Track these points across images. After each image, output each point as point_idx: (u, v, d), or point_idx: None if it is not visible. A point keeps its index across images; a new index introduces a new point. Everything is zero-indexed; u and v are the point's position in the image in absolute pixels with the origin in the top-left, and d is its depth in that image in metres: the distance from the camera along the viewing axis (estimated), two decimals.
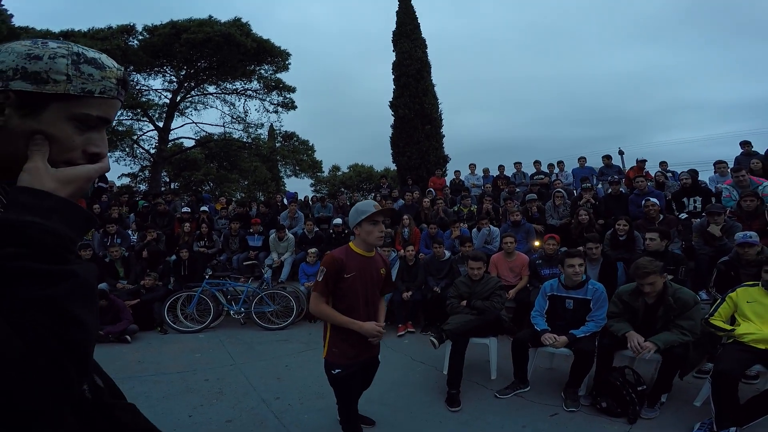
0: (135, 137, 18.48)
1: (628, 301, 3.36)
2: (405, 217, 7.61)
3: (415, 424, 3.17)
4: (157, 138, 18.15)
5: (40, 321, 0.47)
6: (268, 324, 6.06)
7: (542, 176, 10.06)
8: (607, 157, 9.76)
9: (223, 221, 9.09)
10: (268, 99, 18.73)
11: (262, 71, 18.15)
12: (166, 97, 18.17)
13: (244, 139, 19.14)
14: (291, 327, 5.98)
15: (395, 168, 15.95)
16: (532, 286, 5.25)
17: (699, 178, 7.38)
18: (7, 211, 0.53)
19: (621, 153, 16.11)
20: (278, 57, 17.51)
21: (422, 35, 15.44)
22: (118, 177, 19.98)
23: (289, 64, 17.94)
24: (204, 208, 9.34)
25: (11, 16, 13.70)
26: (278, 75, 18.31)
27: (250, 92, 18.68)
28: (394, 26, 15.59)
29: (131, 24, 16.16)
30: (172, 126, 18.39)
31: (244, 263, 7.38)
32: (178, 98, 18.22)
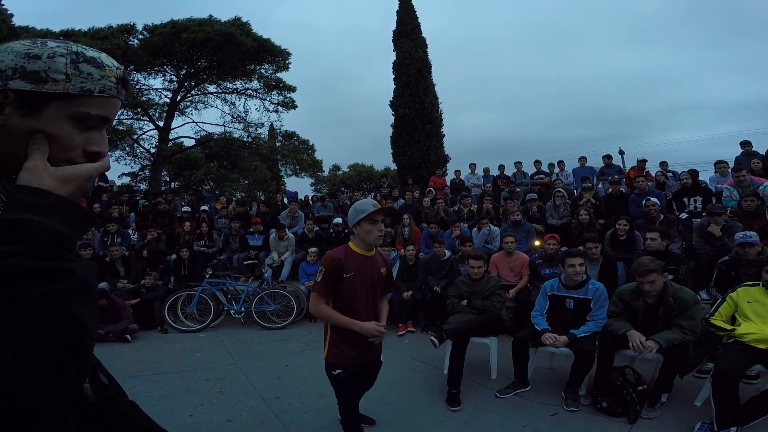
0: (135, 136, 18.48)
1: (628, 301, 3.36)
2: (405, 216, 7.61)
3: (415, 423, 3.17)
4: (157, 137, 18.16)
5: (39, 321, 0.47)
6: (268, 323, 6.06)
7: (542, 176, 10.06)
8: (608, 157, 9.76)
9: (223, 220, 9.10)
10: (268, 98, 18.76)
11: (263, 71, 18.16)
12: (166, 96, 18.20)
13: (245, 139, 19.16)
14: (291, 326, 5.99)
15: (395, 167, 15.95)
16: (532, 285, 5.25)
17: (699, 178, 7.38)
18: (6, 210, 0.53)
19: (621, 153, 16.15)
20: (278, 56, 17.51)
21: (423, 35, 15.45)
22: (119, 176, 20.04)
23: (290, 63, 17.96)
24: (204, 207, 9.35)
25: (11, 15, 13.69)
26: (278, 74, 18.35)
27: (251, 91, 18.69)
28: (394, 25, 15.61)
29: (131, 23, 16.18)
30: (173, 125, 18.41)
31: (245, 262, 7.38)
32: (179, 97, 18.22)
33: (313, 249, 6.90)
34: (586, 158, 10.10)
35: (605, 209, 6.94)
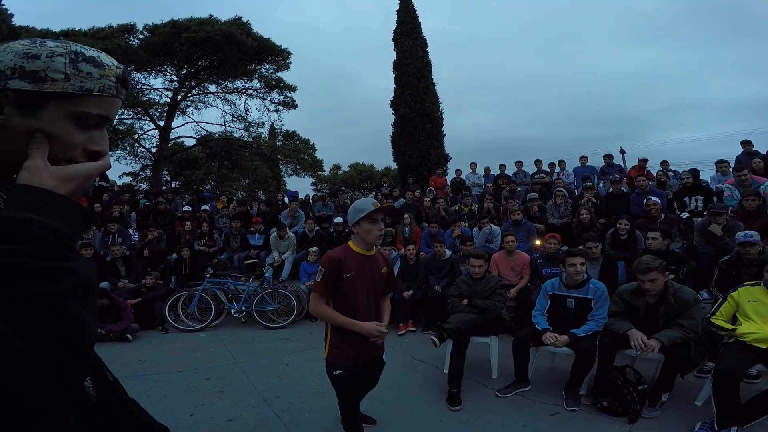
0: (136, 136, 18.48)
1: (629, 301, 3.35)
2: (406, 216, 7.61)
3: (415, 423, 3.17)
4: (158, 137, 18.15)
5: (40, 320, 0.47)
6: (269, 323, 6.07)
7: (543, 175, 10.04)
8: (609, 156, 9.75)
9: (224, 220, 9.11)
10: (268, 98, 18.73)
11: (263, 70, 18.14)
12: (166, 96, 18.19)
13: (245, 138, 19.14)
14: (292, 326, 5.99)
15: (396, 167, 15.95)
16: (533, 285, 5.25)
17: (700, 178, 7.37)
18: (6, 208, 0.53)
19: (622, 152, 16.10)
20: (279, 56, 17.50)
21: (423, 34, 15.44)
22: (120, 176, 20.04)
23: (290, 63, 17.94)
24: (205, 206, 9.37)
25: (11, 15, 13.70)
26: (279, 74, 18.31)
27: (251, 91, 18.67)
28: (394, 25, 15.61)
29: (132, 23, 16.17)
30: (173, 125, 18.40)
31: (245, 262, 7.39)
32: (179, 97, 18.21)
33: (314, 248, 6.91)
34: (587, 157, 10.09)
35: (606, 208, 6.93)
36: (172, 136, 18.65)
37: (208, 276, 6.34)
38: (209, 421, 3.21)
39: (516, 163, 10.92)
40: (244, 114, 18.85)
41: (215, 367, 4.45)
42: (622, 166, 11.31)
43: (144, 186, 19.25)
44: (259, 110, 19.50)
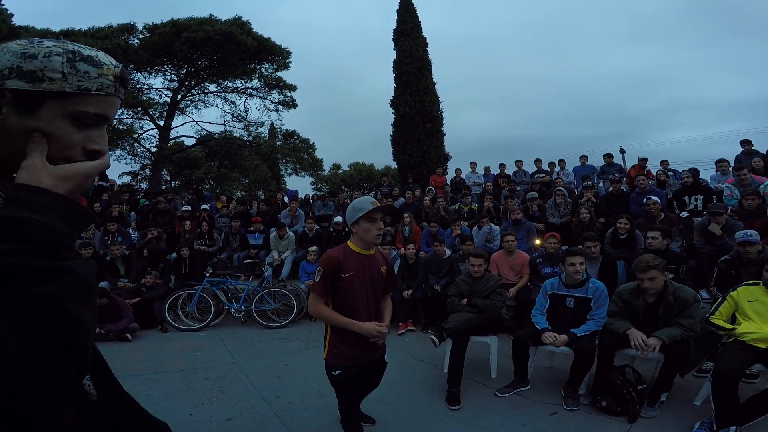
0: (136, 136, 18.46)
1: (628, 300, 3.35)
2: (405, 215, 7.61)
3: (415, 422, 3.17)
4: (157, 136, 18.14)
5: (39, 319, 0.47)
6: (268, 322, 6.07)
7: (543, 174, 10.04)
8: (609, 156, 9.75)
9: (223, 219, 9.11)
10: (268, 97, 18.73)
11: (263, 70, 18.13)
12: (166, 95, 18.18)
13: (245, 138, 19.14)
14: (291, 325, 5.99)
15: (396, 166, 15.95)
16: (532, 284, 5.25)
17: (700, 177, 7.37)
18: (4, 208, 0.53)
19: (622, 151, 16.13)
20: (279, 55, 17.49)
21: (423, 33, 15.43)
22: (119, 175, 20.03)
23: (290, 62, 17.93)
24: (205, 206, 9.36)
25: (11, 15, 13.69)
26: (279, 73, 18.31)
27: (251, 91, 18.66)
28: (394, 24, 15.61)
29: (132, 23, 16.16)
30: (173, 124, 18.39)
31: (245, 261, 7.39)
32: (179, 97, 18.20)
33: (314, 248, 6.91)
34: (587, 157, 10.08)
35: (606, 208, 6.94)
36: (171, 135, 18.65)
37: (207, 275, 6.34)
38: (209, 420, 3.21)
39: (516, 162, 10.93)
40: (243, 113, 18.88)
41: (215, 366, 4.45)
42: (622, 165, 11.32)
43: (143, 185, 19.25)
44: (258, 110, 19.59)
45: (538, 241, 6.22)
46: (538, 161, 10.68)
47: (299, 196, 12.10)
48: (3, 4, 13.34)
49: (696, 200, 6.28)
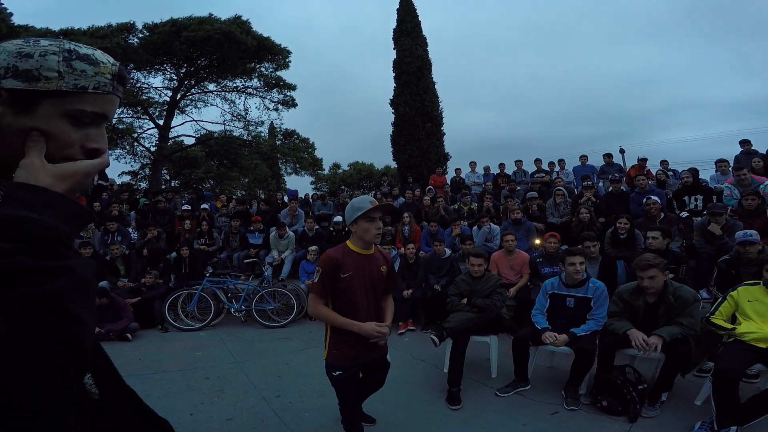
0: (135, 135, 18.45)
1: (629, 300, 3.35)
2: (405, 215, 7.61)
3: (415, 422, 3.16)
4: (157, 136, 18.13)
5: (38, 319, 0.47)
6: (268, 322, 6.07)
7: (543, 174, 10.04)
8: (608, 156, 9.74)
9: (223, 219, 9.11)
10: (268, 97, 18.74)
11: (263, 69, 18.14)
12: (166, 95, 18.17)
13: (245, 137, 19.14)
14: (291, 325, 5.99)
15: (396, 166, 15.95)
16: (532, 284, 5.25)
17: (700, 177, 7.37)
18: (2, 207, 0.53)
19: (622, 151, 16.13)
20: (278, 55, 17.50)
21: (423, 33, 15.43)
22: (119, 175, 20.05)
23: (290, 61, 17.94)
24: (204, 205, 9.36)
25: (11, 14, 13.69)
26: (278, 73, 18.32)
27: (251, 90, 18.67)
28: (394, 24, 15.61)
29: (131, 22, 16.15)
30: (173, 124, 18.40)
31: (245, 261, 7.38)
32: (179, 96, 18.20)
33: (314, 247, 6.91)
34: (586, 156, 10.08)
35: (606, 208, 6.93)
36: (171, 134, 18.68)
37: (207, 275, 6.33)
38: (209, 420, 3.21)
39: (516, 162, 10.92)
40: (243, 113, 18.89)
41: (215, 366, 4.45)
42: (622, 165, 11.32)
43: (143, 185, 19.25)
44: (258, 109, 19.57)
45: (538, 241, 6.22)
46: (537, 161, 10.68)
47: (299, 196, 12.11)
48: (3, 4, 13.35)
49: (696, 200, 6.28)
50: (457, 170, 11.65)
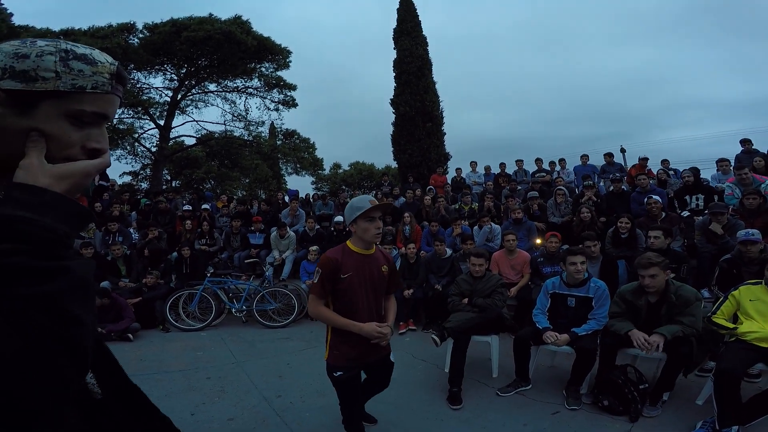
0: (136, 135, 18.48)
1: (631, 300, 3.35)
2: (406, 214, 7.61)
3: (416, 422, 3.16)
4: (158, 136, 18.17)
5: (38, 319, 0.47)
6: (269, 322, 6.07)
7: (544, 174, 10.03)
8: (609, 155, 9.74)
9: (224, 219, 9.12)
10: (268, 97, 18.76)
11: (263, 69, 18.17)
12: (166, 95, 18.21)
13: (245, 137, 19.16)
14: (292, 325, 5.99)
15: (396, 166, 15.95)
16: (533, 283, 5.25)
17: (701, 176, 7.36)
18: (2, 207, 0.53)
19: (623, 151, 16.13)
20: (279, 55, 17.52)
21: (423, 32, 15.43)
22: (120, 175, 20.09)
23: (290, 61, 17.97)
24: (205, 206, 9.39)
25: (11, 15, 13.72)
26: (279, 73, 18.34)
27: (251, 90, 18.69)
28: (395, 23, 15.60)
29: (132, 22, 16.19)
30: (173, 124, 18.43)
31: (246, 261, 7.39)
32: (179, 96, 18.23)
33: (314, 247, 6.91)
34: (587, 156, 10.07)
35: (607, 207, 6.92)
36: (172, 135, 18.69)
37: (208, 275, 6.34)
38: (210, 420, 3.21)
39: (516, 161, 10.90)
40: (244, 113, 18.91)
41: (216, 366, 4.45)
42: (623, 164, 11.31)
43: (144, 185, 19.26)
44: (259, 109, 19.60)
45: (539, 241, 6.22)
46: (538, 160, 10.66)
47: (300, 196, 12.12)
48: (3, 4, 13.37)
49: (697, 199, 6.27)
50: (458, 170, 11.64)
